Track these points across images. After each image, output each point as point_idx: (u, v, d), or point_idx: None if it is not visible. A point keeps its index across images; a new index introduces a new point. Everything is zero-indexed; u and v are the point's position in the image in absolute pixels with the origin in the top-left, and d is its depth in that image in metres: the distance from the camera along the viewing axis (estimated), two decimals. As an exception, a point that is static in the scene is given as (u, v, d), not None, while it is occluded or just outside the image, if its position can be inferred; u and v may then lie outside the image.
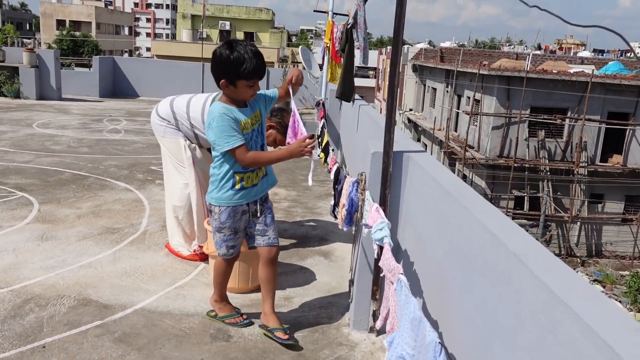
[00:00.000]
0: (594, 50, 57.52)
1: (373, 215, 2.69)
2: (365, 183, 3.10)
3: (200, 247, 4.01)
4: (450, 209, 2.15)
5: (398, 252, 2.91)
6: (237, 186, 2.78)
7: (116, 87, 15.75)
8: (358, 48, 4.65)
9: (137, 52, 69.95)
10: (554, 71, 22.01)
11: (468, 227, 1.92)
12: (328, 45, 6.62)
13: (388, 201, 2.93)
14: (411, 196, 2.82)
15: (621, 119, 21.07)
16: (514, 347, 1.49)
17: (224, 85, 2.65)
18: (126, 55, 53.15)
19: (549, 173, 21.27)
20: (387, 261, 2.18)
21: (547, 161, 21.35)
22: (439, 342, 1.55)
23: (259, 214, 2.93)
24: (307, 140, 2.77)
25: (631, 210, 21.53)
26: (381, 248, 2.65)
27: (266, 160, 2.81)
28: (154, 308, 3.31)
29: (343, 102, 7.14)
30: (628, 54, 50.42)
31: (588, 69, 23.84)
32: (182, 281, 3.72)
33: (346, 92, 5.22)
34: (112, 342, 2.91)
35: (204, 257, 3.98)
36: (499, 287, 1.62)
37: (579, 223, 21.59)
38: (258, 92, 2.84)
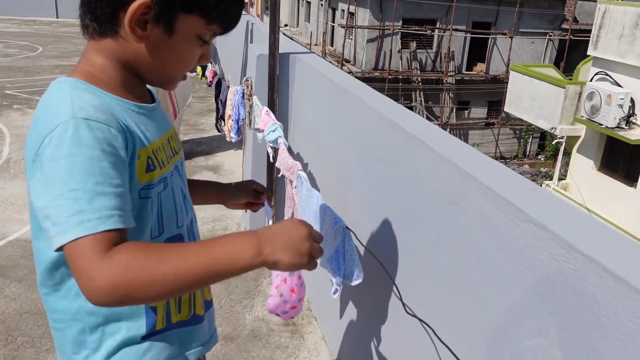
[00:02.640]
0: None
1: (264, 118, 2.61)
2: (251, 88, 2.99)
3: None
4: (346, 104, 2.12)
5: (291, 155, 2.88)
6: (160, 325, 1.05)
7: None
8: None
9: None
10: (422, -18, 22.43)
11: (365, 118, 1.91)
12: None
13: (277, 104, 2.85)
14: (300, 97, 2.75)
15: (484, 28, 22.29)
16: (416, 224, 1.53)
17: (132, 22, 0.86)
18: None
19: (420, 83, 22.22)
20: (285, 160, 2.13)
21: (418, 72, 22.22)
22: (346, 227, 1.55)
23: None
24: None
25: (493, 114, 23.31)
26: (275, 150, 2.60)
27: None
28: (30, 237, 3.04)
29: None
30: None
31: (454, -21, 24.57)
32: (59, 207, 3.43)
33: None
34: (-14, 276, 2.65)
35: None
36: (398, 170, 1.64)
37: (448, 129, 23.04)
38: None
